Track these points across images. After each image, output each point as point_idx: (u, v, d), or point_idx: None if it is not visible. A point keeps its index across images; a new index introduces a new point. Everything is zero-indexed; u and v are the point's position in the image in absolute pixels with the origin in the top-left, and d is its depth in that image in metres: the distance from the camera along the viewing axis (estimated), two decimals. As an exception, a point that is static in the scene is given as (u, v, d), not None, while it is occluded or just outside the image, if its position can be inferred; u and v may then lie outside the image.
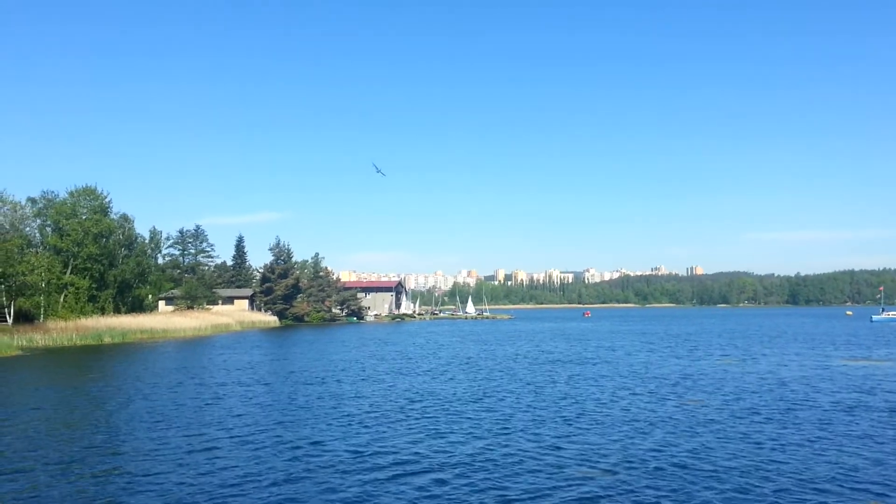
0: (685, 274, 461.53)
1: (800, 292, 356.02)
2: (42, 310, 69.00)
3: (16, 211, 72.67)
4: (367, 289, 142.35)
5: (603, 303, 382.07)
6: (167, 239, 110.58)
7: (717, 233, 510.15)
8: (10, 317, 64.16)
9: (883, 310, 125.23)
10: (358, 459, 16.65)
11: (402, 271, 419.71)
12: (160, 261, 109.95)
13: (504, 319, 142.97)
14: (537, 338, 71.28)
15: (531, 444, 18.14)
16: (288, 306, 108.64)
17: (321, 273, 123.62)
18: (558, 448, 17.73)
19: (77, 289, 73.08)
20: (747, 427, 20.38)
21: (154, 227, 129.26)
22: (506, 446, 17.97)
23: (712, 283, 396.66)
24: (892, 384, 30.30)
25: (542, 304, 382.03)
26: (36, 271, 65.53)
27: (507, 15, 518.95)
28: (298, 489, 14.16)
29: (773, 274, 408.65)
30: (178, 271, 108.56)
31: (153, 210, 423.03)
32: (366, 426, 20.96)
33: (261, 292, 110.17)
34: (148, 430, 20.35)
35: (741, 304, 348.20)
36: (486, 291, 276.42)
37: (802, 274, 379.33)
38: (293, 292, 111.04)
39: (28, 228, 75.88)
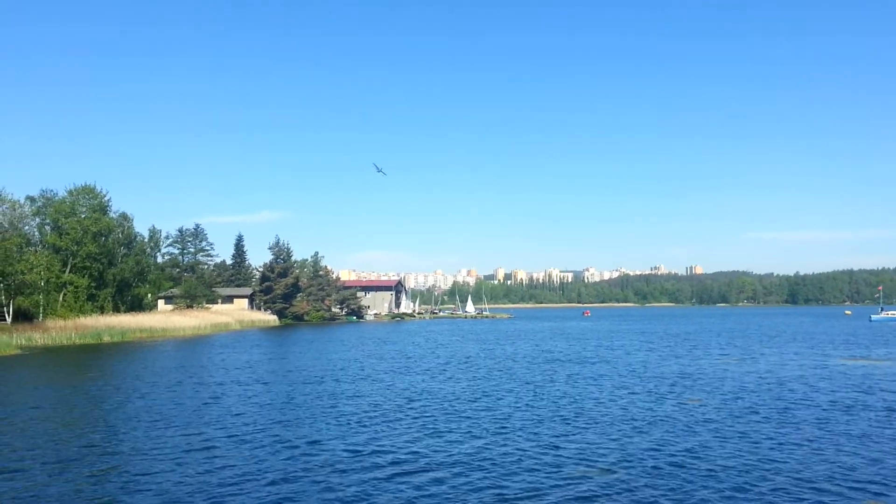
0: (685, 273, 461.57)
1: (799, 292, 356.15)
2: (41, 309, 68.99)
3: (15, 209, 72.65)
4: (367, 288, 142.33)
5: (602, 302, 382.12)
6: (166, 238, 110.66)
7: (716, 232, 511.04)
8: (8, 316, 64.14)
9: (882, 309, 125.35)
10: (356, 458, 16.66)
11: (401, 270, 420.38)
12: (159, 260, 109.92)
13: (504, 319, 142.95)
14: (537, 337, 71.28)
15: (529, 443, 18.15)
16: (287, 305, 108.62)
17: (321, 272, 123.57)
18: (556, 447, 17.74)
19: (76, 287, 73.04)
20: (746, 426, 20.39)
21: (153, 225, 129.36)
22: (504, 445, 17.98)
23: (712, 282, 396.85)
24: (891, 383, 30.32)
25: (541, 303, 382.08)
26: (35, 270, 65.52)
27: (507, 15, 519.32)
28: (296, 488, 14.16)
29: (772, 273, 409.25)
30: (178, 270, 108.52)
31: (152, 209, 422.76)
32: (364, 425, 20.96)
33: (260, 291, 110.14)
34: (146, 429, 20.35)
35: (740, 304, 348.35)
36: (486, 291, 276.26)
37: (801, 273, 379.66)
38: (293, 291, 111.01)
39: (27, 227, 75.88)
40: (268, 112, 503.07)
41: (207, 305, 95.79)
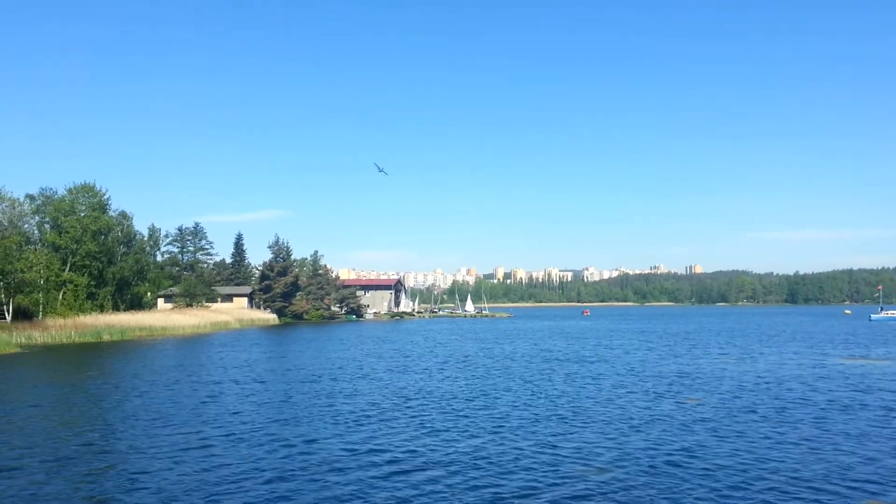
0: (684, 273, 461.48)
1: (799, 291, 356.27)
2: (41, 307, 69.02)
3: (14, 208, 72.65)
4: (367, 287, 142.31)
5: (602, 301, 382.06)
6: (166, 236, 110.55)
7: (716, 232, 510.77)
8: (8, 314, 64.17)
9: (881, 309, 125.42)
10: (353, 457, 16.67)
11: (401, 269, 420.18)
12: (159, 258, 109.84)
13: (503, 318, 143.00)
14: (536, 336, 71.32)
15: (527, 442, 18.17)
16: (287, 304, 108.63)
17: (320, 271, 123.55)
18: (554, 446, 17.75)
19: (76, 286, 73.05)
20: (744, 425, 20.41)
21: (153, 224, 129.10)
22: (501, 444, 18.00)
23: (711, 281, 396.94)
24: (890, 383, 30.36)
25: (541, 302, 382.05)
26: (34, 268, 65.54)
27: (507, 15, 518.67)
28: (294, 487, 14.18)
29: (771, 273, 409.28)
30: (177, 269, 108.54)
31: (152, 208, 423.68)
32: (362, 424, 20.98)
33: (260, 290, 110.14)
34: (145, 428, 20.37)
35: (740, 303, 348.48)
36: (486, 290, 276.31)
37: (801, 273, 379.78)
38: (292, 290, 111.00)
39: (26, 225, 75.83)
40: (267, 111, 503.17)
41: (207, 304, 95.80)
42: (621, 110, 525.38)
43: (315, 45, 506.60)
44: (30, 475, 15.02)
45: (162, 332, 68.66)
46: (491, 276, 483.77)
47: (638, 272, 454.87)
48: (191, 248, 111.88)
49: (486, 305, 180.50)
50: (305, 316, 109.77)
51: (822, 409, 23.34)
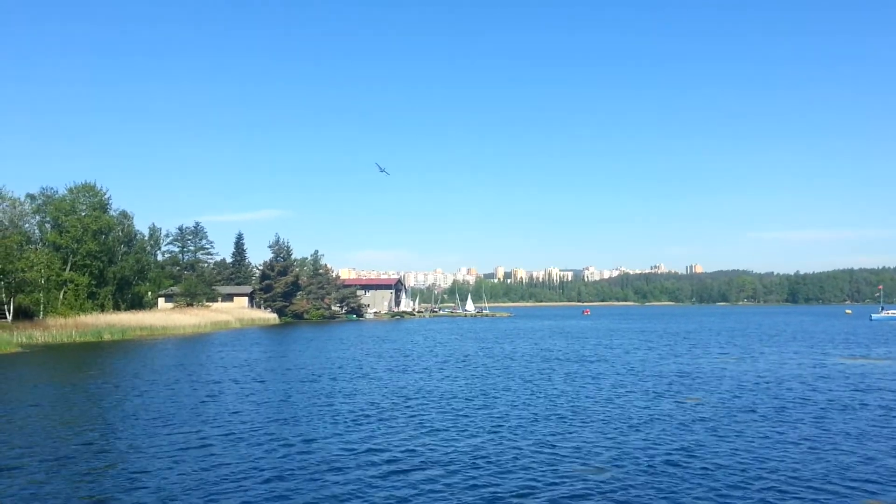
0: (685, 272, 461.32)
1: (799, 291, 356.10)
2: (41, 306, 69.06)
3: (15, 207, 72.71)
4: (367, 286, 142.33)
5: (602, 301, 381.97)
6: (167, 236, 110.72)
7: (716, 232, 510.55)
8: (9, 314, 64.21)
9: (882, 308, 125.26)
10: (352, 456, 16.69)
11: (401, 269, 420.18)
12: (160, 258, 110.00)
13: (503, 317, 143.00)
14: (536, 336, 71.32)
15: (526, 442, 18.18)
16: (287, 304, 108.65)
17: (321, 270, 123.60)
18: (553, 445, 17.76)
19: (76, 285, 73.10)
20: (743, 425, 20.41)
21: (153, 224, 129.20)
22: (500, 443, 18.01)
23: (712, 281, 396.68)
24: (890, 382, 30.35)
25: (541, 302, 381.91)
26: (35, 268, 65.58)
27: (507, 15, 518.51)
28: (293, 486, 14.20)
29: (772, 272, 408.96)
30: (178, 268, 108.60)
31: (153, 207, 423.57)
32: (361, 423, 21.00)
33: (260, 289, 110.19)
34: (144, 427, 20.40)
35: (740, 303, 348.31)
36: (486, 289, 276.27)
37: (802, 273, 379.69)
38: (293, 290, 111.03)
39: (27, 225, 75.91)
40: (267, 111, 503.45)
41: (207, 303, 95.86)
42: (621, 110, 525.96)
43: (315, 45, 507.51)
44: (30, 474, 15.04)
45: (162, 332, 68.70)
46: (491, 275, 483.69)
47: (638, 272, 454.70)
48: (191, 248, 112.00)
49: (487, 305, 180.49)
50: (306, 315, 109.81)
51: (822, 408, 23.33)
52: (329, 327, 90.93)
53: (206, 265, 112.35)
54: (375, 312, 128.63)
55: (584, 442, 18.17)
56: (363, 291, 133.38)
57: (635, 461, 16.08)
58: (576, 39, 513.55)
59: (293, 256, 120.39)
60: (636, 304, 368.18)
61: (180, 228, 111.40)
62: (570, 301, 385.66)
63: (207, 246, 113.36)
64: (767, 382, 30.31)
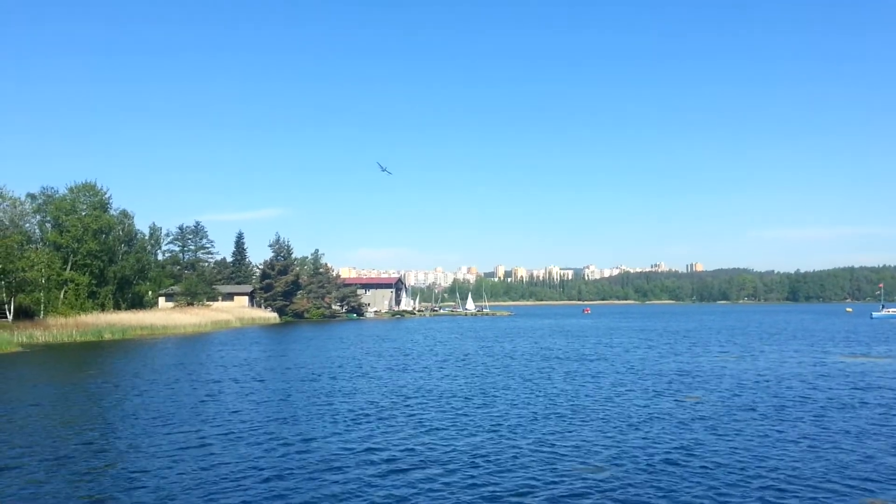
0: (685, 271, 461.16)
1: (800, 289, 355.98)
2: (42, 306, 69.06)
3: (15, 207, 72.61)
4: (367, 285, 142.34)
5: (603, 299, 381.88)
6: (167, 235, 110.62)
7: (716, 230, 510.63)
8: (10, 313, 64.22)
9: (883, 306, 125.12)
10: (352, 455, 16.69)
11: (402, 268, 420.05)
12: (160, 257, 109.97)
13: (504, 316, 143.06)
14: (536, 334, 71.33)
15: (525, 441, 18.19)
16: (288, 303, 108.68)
17: (321, 269, 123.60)
18: (552, 444, 17.77)
19: (77, 285, 73.11)
20: (743, 424, 20.40)
21: (154, 223, 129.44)
22: (500, 442, 18.01)
23: (712, 279, 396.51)
24: (890, 381, 30.33)
25: (541, 300, 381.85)
26: (36, 267, 65.57)
27: (507, 14, 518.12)
28: (291, 485, 14.21)
29: (773, 271, 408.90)
30: (178, 268, 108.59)
31: (153, 206, 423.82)
32: (360, 423, 21.01)
33: (261, 289, 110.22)
34: (144, 427, 20.41)
35: (741, 301, 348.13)
36: (486, 288, 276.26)
37: (802, 271, 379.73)
38: (293, 289, 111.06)
39: (28, 225, 75.81)
40: (268, 110, 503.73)
41: (208, 303, 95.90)
42: (621, 109, 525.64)
43: (315, 44, 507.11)
44: (29, 474, 15.06)
45: (163, 331, 68.73)
46: (492, 274, 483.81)
47: (639, 270, 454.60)
48: (192, 247, 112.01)
49: (487, 304, 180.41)
50: (306, 314, 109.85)
51: (821, 407, 23.32)
52: (329, 326, 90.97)
53: (206, 264, 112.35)
54: (376, 311, 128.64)
55: (584, 441, 18.18)
56: (363, 290, 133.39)
57: (634, 460, 16.08)
58: (576, 38, 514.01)
59: (293, 255, 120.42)
60: (636, 302, 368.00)
61: (181, 228, 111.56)
62: (571, 300, 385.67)
63: (208, 245, 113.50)
64: (767, 381, 30.31)
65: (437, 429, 19.95)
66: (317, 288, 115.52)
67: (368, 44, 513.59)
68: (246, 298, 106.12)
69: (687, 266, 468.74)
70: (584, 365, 38.21)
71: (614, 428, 19.86)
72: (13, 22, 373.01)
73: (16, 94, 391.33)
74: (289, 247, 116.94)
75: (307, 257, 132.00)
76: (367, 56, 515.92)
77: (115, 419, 21.78)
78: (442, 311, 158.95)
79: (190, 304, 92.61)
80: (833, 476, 14.67)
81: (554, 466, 15.58)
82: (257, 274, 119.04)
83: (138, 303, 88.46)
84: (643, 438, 18.39)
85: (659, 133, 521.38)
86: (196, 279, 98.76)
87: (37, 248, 71.76)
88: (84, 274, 74.49)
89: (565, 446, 17.54)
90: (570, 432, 19.29)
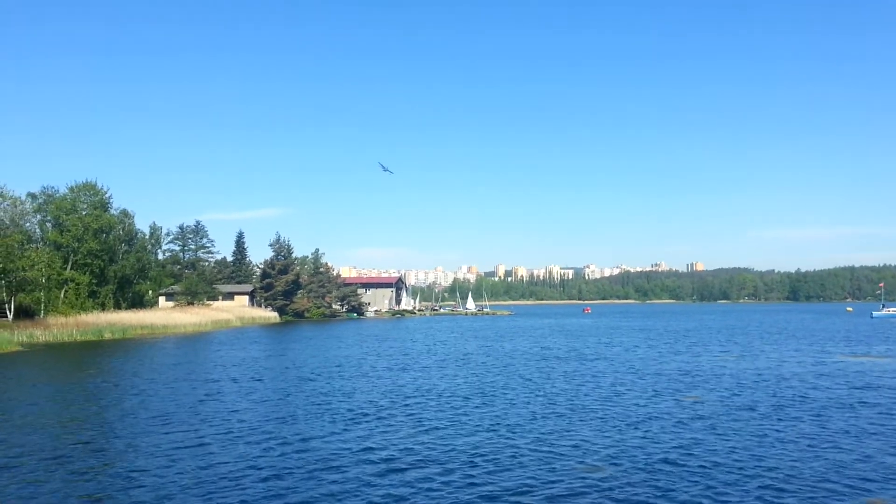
0: (685, 270, 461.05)
1: (800, 288, 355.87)
2: (42, 305, 69.10)
3: (16, 206, 72.60)
4: (368, 285, 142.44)
5: (603, 299, 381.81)
6: (167, 235, 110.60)
7: (717, 229, 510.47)
8: (10, 313, 64.25)
9: (883, 306, 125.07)
10: (350, 455, 16.69)
11: (402, 267, 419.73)
12: (160, 256, 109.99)
13: (504, 315, 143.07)
14: (536, 334, 71.32)
15: (524, 440, 18.18)
16: (288, 302, 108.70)
17: (321, 269, 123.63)
18: (551, 443, 17.76)
19: (77, 284, 73.14)
20: (742, 423, 20.39)
21: (154, 222, 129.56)
22: (499, 442, 18.00)
23: (713, 279, 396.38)
24: (890, 380, 30.31)
25: (542, 300, 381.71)
26: (36, 267, 65.61)
27: (507, 14, 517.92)
28: (290, 484, 14.20)
29: (773, 270, 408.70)
30: (179, 267, 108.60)
31: (153, 206, 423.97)
32: (359, 422, 21.00)
33: (261, 288, 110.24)
34: (143, 426, 20.41)
35: (741, 301, 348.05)
36: (487, 287, 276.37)
37: (803, 270, 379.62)
38: (293, 288, 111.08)
39: (28, 224, 75.80)
40: (268, 109, 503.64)
41: (208, 302, 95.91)
42: (621, 109, 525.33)
43: (315, 44, 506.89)
44: (28, 473, 15.05)
45: (163, 331, 68.76)
46: (492, 273, 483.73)
47: (639, 270, 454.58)
48: (192, 247, 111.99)
49: (487, 303, 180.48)
50: (306, 314, 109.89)
51: (821, 406, 23.30)
52: (329, 326, 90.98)
53: (206, 264, 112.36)
54: (376, 311, 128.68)
55: (583, 440, 18.17)
56: (364, 290, 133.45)
57: (633, 459, 16.07)
58: (576, 38, 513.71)
59: (294, 255, 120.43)
60: (637, 302, 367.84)
61: (181, 227, 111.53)
62: (571, 299, 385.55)
63: (208, 244, 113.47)
64: (767, 380, 30.29)
65: (436, 428, 19.94)
66: (317, 287, 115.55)
67: (368, 44, 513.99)
68: (246, 298, 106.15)
69: (687, 265, 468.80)
70: (584, 364, 38.19)
71: (613, 427, 19.85)
72: (13, 22, 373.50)
73: (16, 94, 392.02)
74: (289, 246, 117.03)
75: (307, 257, 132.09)
76: (367, 56, 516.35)
77: (114, 418, 21.78)
78: (442, 310, 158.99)
79: (190, 303, 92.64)
80: (832, 476, 14.66)
81: (553, 466, 15.57)
82: (258, 273, 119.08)
83: (139, 302, 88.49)
84: (642, 438, 18.38)
85: (659, 133, 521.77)
86: (196, 279, 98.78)
87: (37, 248, 71.79)
88: (84, 273, 74.51)
89: (564, 445, 17.53)
90: (569, 432, 19.28)
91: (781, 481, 14.22)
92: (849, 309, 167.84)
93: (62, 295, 71.82)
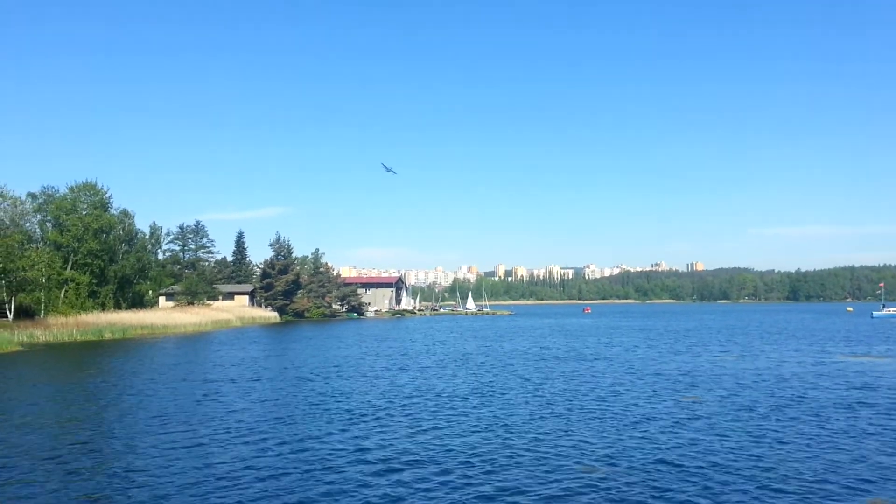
0: (685, 270, 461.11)
1: (800, 288, 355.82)
2: (42, 305, 69.11)
3: (16, 206, 72.62)
4: (368, 284, 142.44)
5: (603, 299, 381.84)
6: (167, 235, 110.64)
7: (717, 229, 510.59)
8: (10, 312, 64.27)
9: (883, 306, 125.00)
10: (349, 455, 16.68)
11: (402, 267, 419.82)
12: (160, 256, 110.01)
13: (504, 315, 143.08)
14: (536, 334, 71.31)
15: (523, 440, 18.17)
16: (288, 302, 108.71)
17: (321, 269, 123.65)
18: (549, 444, 17.74)
19: (77, 284, 73.15)
20: (742, 423, 20.37)
21: (154, 222, 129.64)
22: (498, 442, 17.99)
23: (713, 279, 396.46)
24: (891, 380, 30.30)
25: (542, 300, 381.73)
26: (36, 267, 65.63)
27: (507, 14, 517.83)
28: (288, 484, 14.19)
29: (773, 270, 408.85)
30: (179, 267, 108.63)
31: (153, 206, 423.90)
32: (357, 422, 21.00)
33: (261, 288, 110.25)
34: (141, 426, 20.41)
35: (741, 301, 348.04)
36: (487, 287, 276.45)
37: (803, 270, 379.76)
38: (293, 288, 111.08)
39: (28, 224, 75.83)
40: (268, 110, 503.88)
41: (208, 302, 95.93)
42: (621, 109, 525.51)
43: (315, 44, 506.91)
44: (27, 473, 15.05)
45: (163, 331, 68.77)
46: (492, 273, 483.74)
47: (639, 269, 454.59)
48: (192, 247, 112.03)
49: (487, 303, 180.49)
50: (306, 314, 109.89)
51: (821, 406, 23.28)
52: (329, 326, 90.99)
53: (206, 263, 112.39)
54: (376, 311, 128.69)
55: (581, 440, 18.16)
56: (364, 290, 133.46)
57: (631, 459, 16.06)
58: (576, 38, 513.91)
59: (294, 255, 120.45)
60: (637, 301, 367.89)
61: (181, 227, 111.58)
62: (571, 299, 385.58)
63: (208, 244, 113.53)
64: (766, 381, 30.28)
65: (435, 428, 19.93)
66: (317, 287, 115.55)
67: (368, 44, 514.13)
68: (246, 298, 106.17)
69: (687, 265, 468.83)
70: (583, 365, 38.18)
71: (612, 427, 19.85)
72: (13, 22, 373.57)
73: (16, 94, 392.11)
74: (289, 246, 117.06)
75: (307, 257, 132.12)
76: (367, 56, 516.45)
77: (113, 418, 21.79)
78: (442, 310, 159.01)
79: (190, 303, 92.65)
80: (831, 476, 14.65)
81: (550, 466, 15.56)
82: (258, 273, 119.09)
83: (139, 302, 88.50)
84: (640, 438, 18.37)
85: (659, 133, 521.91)
86: (196, 278, 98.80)
87: (37, 248, 71.80)
88: (84, 273, 74.53)
89: (562, 446, 17.53)
90: (567, 432, 19.28)
91: (780, 481, 14.21)
92: (849, 309, 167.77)
93: (62, 295, 71.83)
